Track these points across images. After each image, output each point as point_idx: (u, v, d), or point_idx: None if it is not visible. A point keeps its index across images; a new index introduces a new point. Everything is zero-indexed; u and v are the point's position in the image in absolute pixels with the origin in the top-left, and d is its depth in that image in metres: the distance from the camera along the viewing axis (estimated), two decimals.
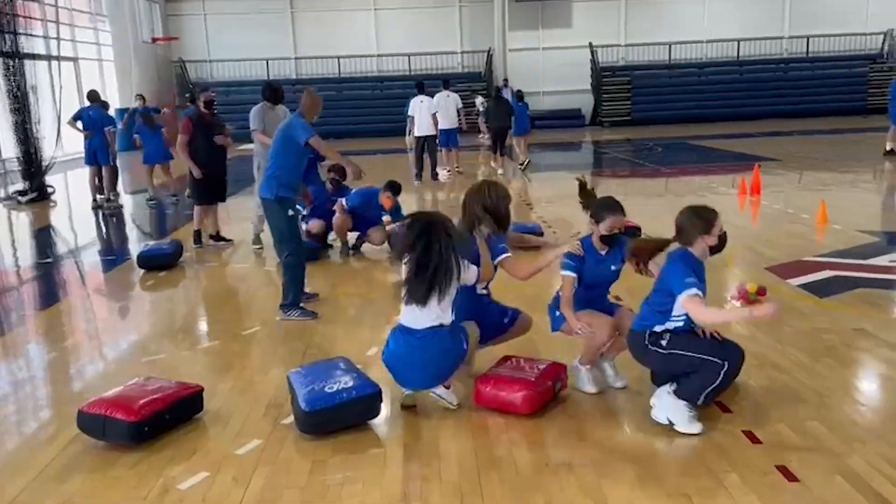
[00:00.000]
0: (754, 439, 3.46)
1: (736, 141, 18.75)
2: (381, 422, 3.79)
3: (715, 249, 3.59)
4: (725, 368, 3.45)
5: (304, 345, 5.04)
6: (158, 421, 3.68)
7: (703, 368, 3.46)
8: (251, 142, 8.07)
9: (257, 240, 8.10)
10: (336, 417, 3.64)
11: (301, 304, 5.61)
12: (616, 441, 3.54)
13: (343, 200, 7.59)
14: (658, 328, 3.57)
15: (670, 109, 25.36)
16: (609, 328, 3.90)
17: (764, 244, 7.49)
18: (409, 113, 13.17)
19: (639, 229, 7.65)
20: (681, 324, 3.56)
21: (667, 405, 3.55)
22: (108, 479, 3.35)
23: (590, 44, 26.14)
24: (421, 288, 3.67)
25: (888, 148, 14.25)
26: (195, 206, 8.26)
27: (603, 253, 3.96)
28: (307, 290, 5.90)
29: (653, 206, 10.25)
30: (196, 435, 3.77)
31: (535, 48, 26.57)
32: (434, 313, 3.74)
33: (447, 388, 3.95)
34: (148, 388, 3.86)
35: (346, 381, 3.75)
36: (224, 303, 6.35)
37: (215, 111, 8.30)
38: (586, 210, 4.08)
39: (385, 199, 7.52)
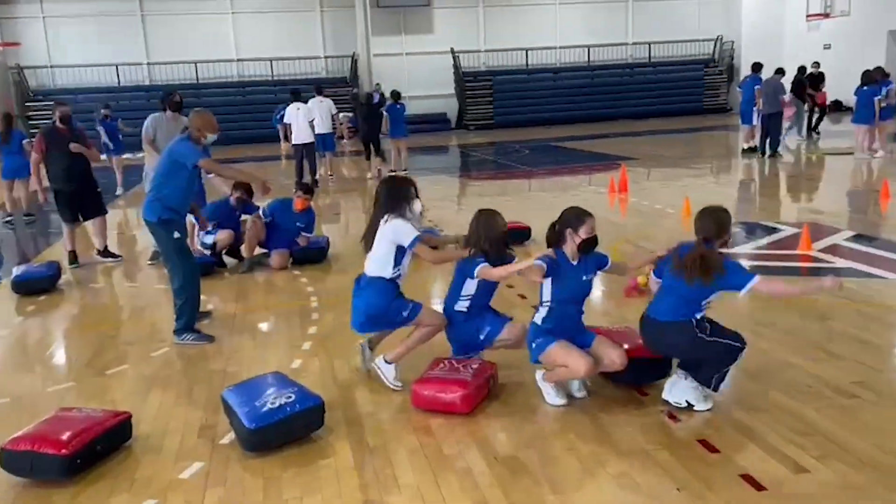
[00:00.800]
0: (675, 419, 3.80)
1: (594, 141, 19.86)
2: (324, 433, 3.81)
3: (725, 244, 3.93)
4: (742, 351, 3.82)
5: (221, 364, 4.93)
6: (90, 452, 3.52)
7: (726, 353, 3.78)
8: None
9: (154, 256, 7.78)
10: (281, 432, 3.64)
11: (196, 328, 5.43)
12: (553, 431, 3.77)
13: (260, 212, 7.46)
14: (698, 315, 3.82)
15: (529, 112, 26.44)
16: (588, 368, 3.87)
17: (642, 238, 8.08)
18: (286, 120, 12.99)
19: (529, 230, 8.02)
20: (704, 313, 3.85)
21: (684, 389, 3.88)
22: None
23: (451, 49, 26.74)
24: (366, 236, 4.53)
25: (746, 146, 15.49)
26: (63, 225, 7.78)
27: (574, 262, 4.06)
28: (203, 308, 5.72)
29: (533, 206, 10.71)
30: (131, 463, 3.64)
31: (398, 53, 26.81)
32: (374, 262, 4.38)
33: (388, 362, 4.29)
34: (73, 418, 3.67)
35: (287, 395, 3.75)
36: (123, 324, 6.04)
37: (73, 125, 7.82)
38: (550, 245, 4.13)
39: (299, 201, 7.52)
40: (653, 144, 18.70)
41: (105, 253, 7.99)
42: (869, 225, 8.54)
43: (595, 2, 28.01)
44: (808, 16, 23.66)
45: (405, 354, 4.37)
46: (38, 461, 3.39)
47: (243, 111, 25.09)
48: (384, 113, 14.23)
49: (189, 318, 5.34)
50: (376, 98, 14.29)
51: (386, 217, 4.38)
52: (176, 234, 5.25)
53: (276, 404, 3.67)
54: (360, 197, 12.96)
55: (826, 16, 22.99)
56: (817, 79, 17.87)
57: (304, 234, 7.63)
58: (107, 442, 3.64)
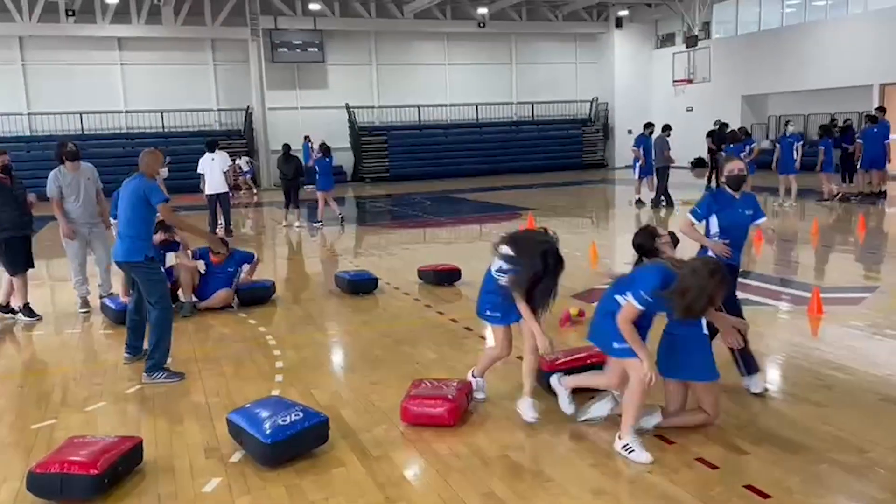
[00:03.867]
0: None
1: (488, 193, 20.95)
2: (327, 448, 4.16)
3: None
4: None
5: (202, 397, 5.14)
6: (115, 472, 3.73)
7: None
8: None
9: (84, 304, 7.74)
10: (295, 446, 3.98)
11: (166, 366, 5.57)
12: (531, 434, 4.31)
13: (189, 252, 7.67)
14: None
15: (423, 166, 27.44)
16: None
17: (561, 278, 8.83)
18: (200, 171, 13.08)
19: (459, 271, 8.62)
20: None
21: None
22: None
23: (346, 104, 27.44)
24: None
25: (638, 198, 16.71)
26: (12, 279, 7.55)
27: None
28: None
29: (454, 251, 11.34)
30: (150, 483, 3.86)
31: (293, 107, 27.20)
32: None
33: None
34: (90, 442, 3.87)
35: (295, 413, 4.10)
36: (83, 366, 6.04)
37: (13, 174, 7.71)
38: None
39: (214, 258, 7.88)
40: (545, 196, 19.95)
41: (6, 308, 7.68)
42: (748, 263, 9.73)
43: (482, 63, 29.63)
44: (674, 81, 26.12)
45: (487, 367, 4.85)
46: (69, 482, 3.57)
47: (132, 163, 24.27)
48: (312, 164, 14.68)
49: (162, 356, 5.52)
50: (307, 150, 14.81)
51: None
52: (162, 269, 5.48)
53: (287, 421, 4.01)
54: (280, 245, 13.18)
55: (689, 81, 25.48)
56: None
57: (246, 264, 7.92)
58: (125, 464, 3.85)
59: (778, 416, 4.47)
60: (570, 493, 3.60)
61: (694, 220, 4.95)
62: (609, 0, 27.94)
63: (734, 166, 4.88)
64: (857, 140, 15.57)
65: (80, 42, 24.85)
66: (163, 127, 26.08)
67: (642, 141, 16.06)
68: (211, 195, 13.06)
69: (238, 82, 26.52)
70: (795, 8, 28.16)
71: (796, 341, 6.15)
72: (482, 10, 27.50)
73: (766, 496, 3.50)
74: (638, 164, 16.09)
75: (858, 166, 15.74)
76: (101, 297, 7.86)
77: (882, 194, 15.58)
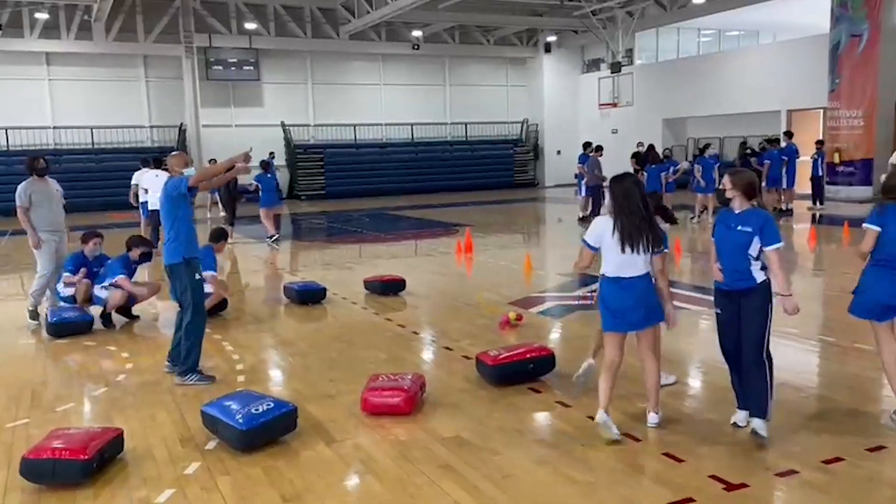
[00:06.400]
0: (564, 405, 5.00)
1: (424, 210, 21.50)
2: (295, 435, 4.57)
3: None
4: None
5: (169, 396, 5.45)
6: (101, 458, 4.05)
7: None
8: None
9: (34, 314, 7.87)
10: (267, 432, 4.39)
11: (199, 369, 5.78)
12: (480, 418, 4.81)
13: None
14: None
15: (358, 184, 27.83)
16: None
17: (499, 287, 9.44)
18: (144, 186, 13.17)
19: (404, 282, 9.10)
20: None
21: None
22: None
23: (282, 123, 27.64)
24: None
25: (582, 216, 17.36)
26: None
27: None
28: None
29: (399, 264, 11.78)
30: (133, 468, 4.19)
31: (228, 125, 27.20)
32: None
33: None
34: (75, 432, 4.20)
35: (266, 404, 4.50)
36: (46, 373, 6.23)
37: None
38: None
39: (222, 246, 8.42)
40: (480, 213, 20.62)
41: None
42: (671, 274, 10.53)
43: (416, 84, 30.32)
44: (600, 105, 27.39)
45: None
46: (61, 466, 3.88)
47: (60, 181, 24.00)
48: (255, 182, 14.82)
49: (196, 358, 5.74)
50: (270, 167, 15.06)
51: None
52: (196, 276, 5.74)
53: (260, 409, 4.41)
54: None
55: (614, 105, 26.77)
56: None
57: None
58: (110, 451, 4.17)
59: (694, 401, 5.13)
60: (516, 463, 4.13)
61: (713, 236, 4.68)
62: (538, 26, 29.07)
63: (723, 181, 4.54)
64: (765, 161, 16.88)
65: (6, 56, 24.33)
66: (93, 143, 25.72)
67: (586, 159, 16.93)
68: (155, 211, 13.14)
69: (171, 99, 26.39)
70: (711, 37, 29.92)
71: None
72: (416, 33, 28.23)
73: (680, 461, 4.10)
74: (584, 182, 16.91)
75: (764, 185, 17.00)
76: (49, 308, 7.99)
77: (789, 211, 16.88)
